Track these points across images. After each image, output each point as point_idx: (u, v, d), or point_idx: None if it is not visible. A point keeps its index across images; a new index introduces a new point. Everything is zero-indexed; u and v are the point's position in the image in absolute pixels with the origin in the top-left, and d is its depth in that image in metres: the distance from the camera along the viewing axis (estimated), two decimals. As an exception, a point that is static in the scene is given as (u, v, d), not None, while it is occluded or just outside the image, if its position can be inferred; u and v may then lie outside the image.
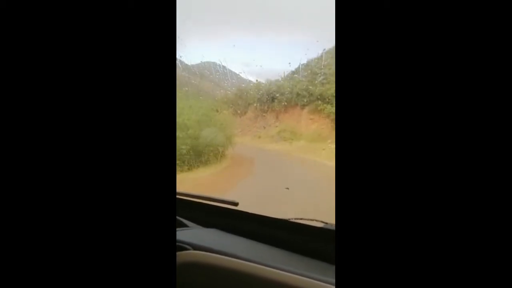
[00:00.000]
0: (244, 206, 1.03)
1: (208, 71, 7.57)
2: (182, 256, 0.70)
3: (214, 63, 7.40)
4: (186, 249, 0.73)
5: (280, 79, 7.72)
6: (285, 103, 7.53)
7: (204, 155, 5.13)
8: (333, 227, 0.87)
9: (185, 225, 0.97)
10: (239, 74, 7.86)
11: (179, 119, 4.85)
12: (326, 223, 0.94)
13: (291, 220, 0.95)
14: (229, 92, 8.15)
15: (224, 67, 7.39)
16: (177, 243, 0.73)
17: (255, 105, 8.18)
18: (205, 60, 7.36)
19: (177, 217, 0.96)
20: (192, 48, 6.31)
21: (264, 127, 8.00)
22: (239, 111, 8.19)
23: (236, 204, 1.03)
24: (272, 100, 7.87)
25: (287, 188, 3.63)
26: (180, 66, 6.19)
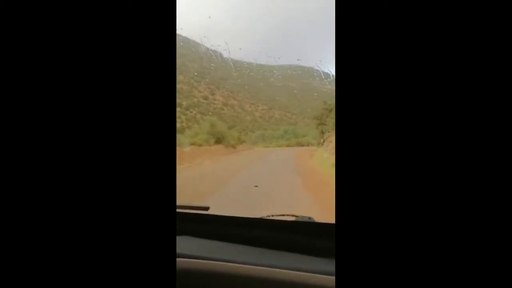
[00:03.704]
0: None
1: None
2: None
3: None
4: None
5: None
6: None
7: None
8: (305, 219, 0.95)
9: None
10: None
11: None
12: (297, 216, 0.99)
13: (263, 218, 0.99)
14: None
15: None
16: None
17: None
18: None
19: None
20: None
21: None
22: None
23: (207, 208, 1.06)
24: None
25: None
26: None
